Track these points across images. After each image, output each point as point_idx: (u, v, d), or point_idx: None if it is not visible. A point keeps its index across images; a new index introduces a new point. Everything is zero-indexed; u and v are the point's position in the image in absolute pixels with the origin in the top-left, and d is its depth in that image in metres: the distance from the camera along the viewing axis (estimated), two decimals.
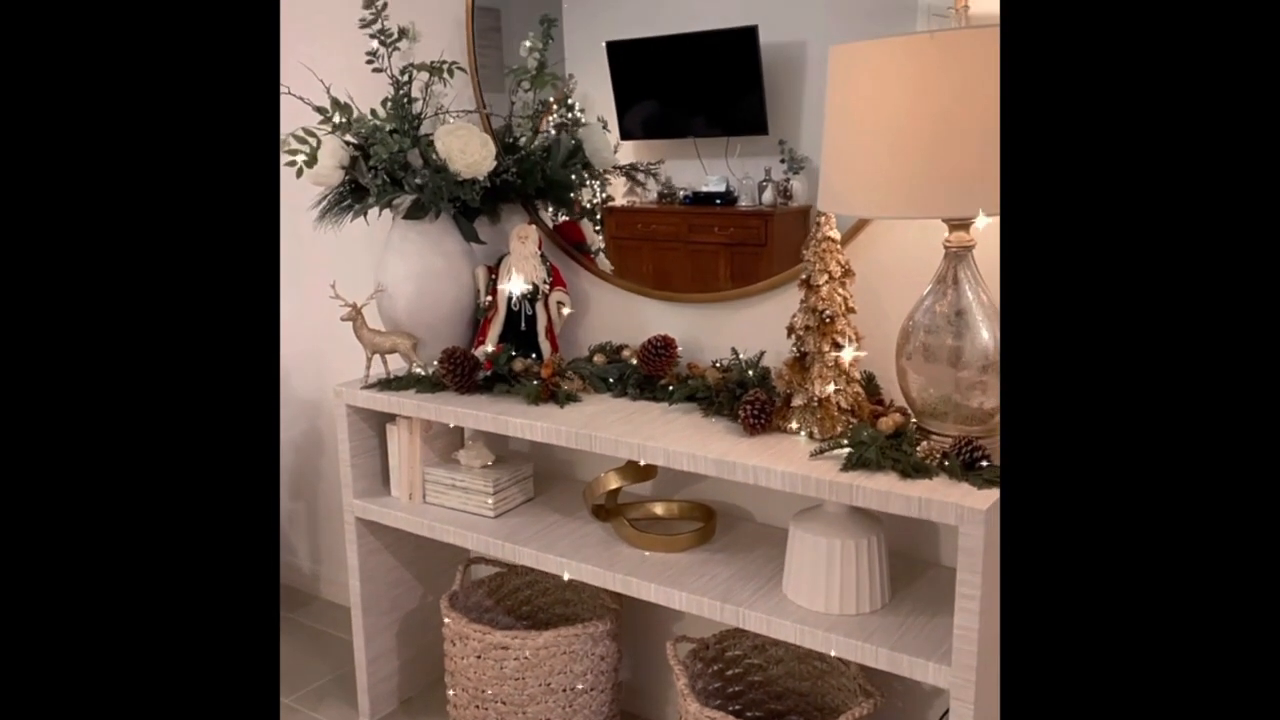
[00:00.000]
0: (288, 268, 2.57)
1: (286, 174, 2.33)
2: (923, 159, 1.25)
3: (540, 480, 2.06)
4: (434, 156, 1.81)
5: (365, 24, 1.87)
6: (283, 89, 2.11)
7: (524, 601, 2.13)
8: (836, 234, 1.49)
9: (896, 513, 1.32)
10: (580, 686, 1.86)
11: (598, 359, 1.85)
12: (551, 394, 1.76)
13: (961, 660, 1.30)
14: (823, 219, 1.49)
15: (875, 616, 1.46)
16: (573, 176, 1.92)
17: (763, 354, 1.72)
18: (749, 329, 1.80)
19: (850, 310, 1.50)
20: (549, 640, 1.82)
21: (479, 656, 1.85)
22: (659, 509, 1.87)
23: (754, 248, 1.75)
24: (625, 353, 1.87)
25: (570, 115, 1.91)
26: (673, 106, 1.79)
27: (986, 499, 1.28)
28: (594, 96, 1.87)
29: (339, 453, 1.99)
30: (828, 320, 1.48)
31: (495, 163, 1.83)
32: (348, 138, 1.85)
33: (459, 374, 1.80)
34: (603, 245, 1.95)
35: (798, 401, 1.52)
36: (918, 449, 1.41)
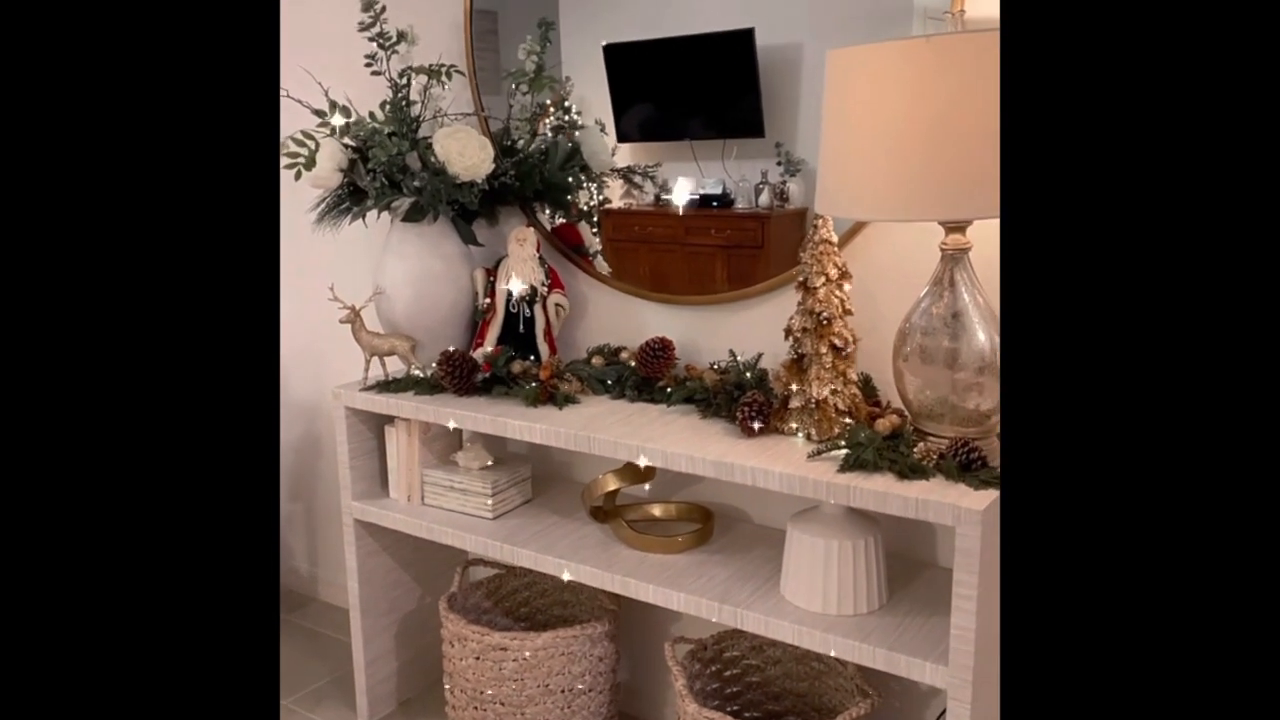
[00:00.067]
0: (286, 270, 2.57)
1: (285, 176, 2.33)
2: (919, 162, 1.26)
3: (538, 482, 2.06)
4: (432, 159, 1.82)
5: (364, 27, 1.87)
6: (282, 92, 2.11)
7: (522, 603, 2.13)
8: (833, 236, 1.50)
9: (893, 513, 1.33)
10: (579, 687, 1.86)
11: (596, 361, 1.86)
12: (550, 396, 1.76)
13: (958, 660, 1.30)
14: (820, 221, 1.50)
15: (873, 617, 1.46)
16: (570, 179, 1.92)
17: (760, 356, 1.72)
18: (746, 331, 1.81)
19: (847, 312, 1.50)
20: (547, 641, 1.82)
21: (478, 658, 1.85)
22: (657, 510, 1.87)
23: (751, 250, 1.75)
24: (623, 355, 1.87)
25: (567, 118, 1.91)
26: (669, 109, 1.80)
27: (983, 500, 1.28)
28: (591, 99, 1.88)
29: (337, 455, 1.99)
30: (825, 322, 1.48)
31: (493, 165, 1.84)
32: (346, 140, 1.86)
33: (457, 376, 1.81)
34: (600, 248, 1.96)
35: (795, 403, 1.53)
36: (914, 450, 1.41)
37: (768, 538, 1.76)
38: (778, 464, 1.42)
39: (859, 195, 1.33)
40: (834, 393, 1.50)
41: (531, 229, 1.89)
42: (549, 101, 1.91)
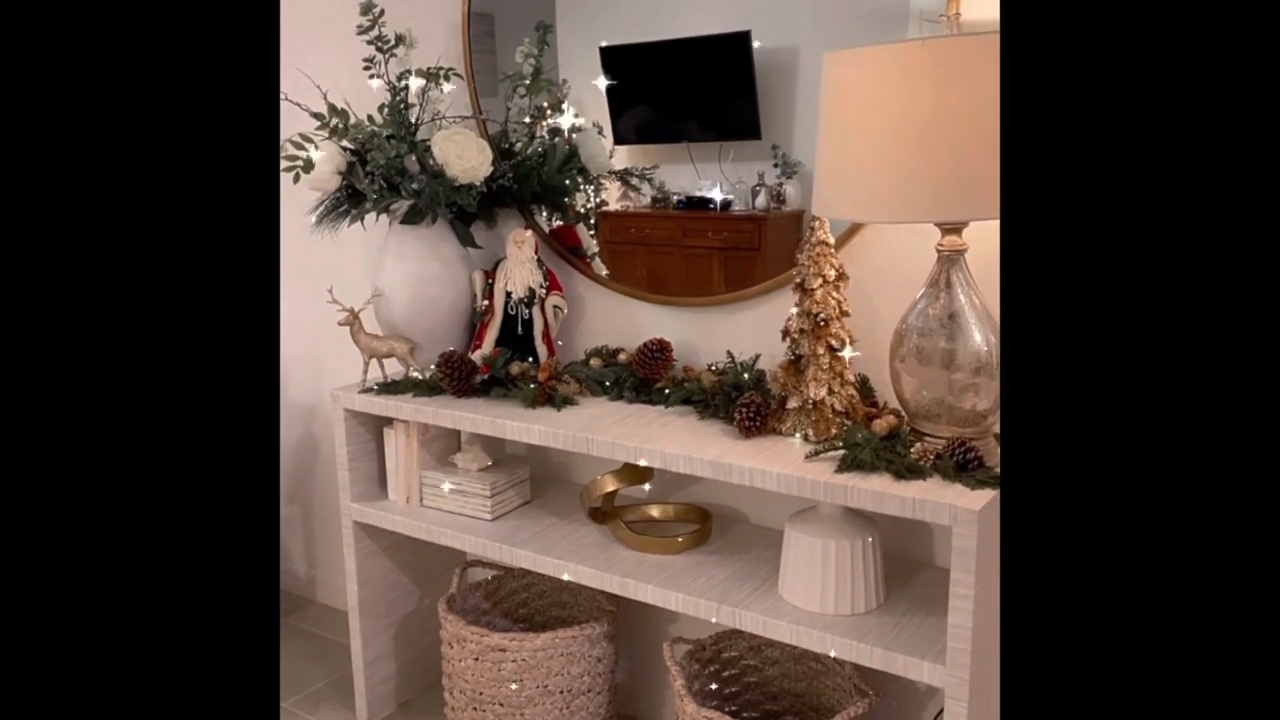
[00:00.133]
0: (285, 272, 2.58)
1: (284, 179, 2.33)
2: (916, 164, 1.27)
3: (537, 483, 2.07)
4: (431, 162, 1.82)
5: (362, 31, 1.88)
6: (281, 95, 2.11)
7: (521, 604, 2.14)
8: (830, 238, 1.51)
9: (891, 513, 1.33)
10: (578, 688, 1.87)
11: (594, 362, 1.86)
12: (548, 397, 1.77)
13: (956, 659, 1.31)
14: (816, 223, 1.50)
15: (870, 617, 1.47)
16: (568, 181, 1.93)
17: (758, 357, 1.73)
18: (744, 332, 1.81)
19: (844, 313, 1.51)
20: (546, 642, 1.83)
21: (477, 659, 1.86)
22: (655, 511, 1.88)
23: (748, 252, 1.76)
24: (621, 356, 1.88)
25: (565, 120, 1.92)
26: (666, 111, 1.80)
27: (980, 499, 1.29)
28: (588, 102, 1.89)
29: (336, 456, 1.99)
30: (822, 323, 1.49)
31: (491, 168, 1.84)
32: (345, 143, 1.86)
33: (456, 378, 1.81)
34: (598, 249, 1.96)
35: (793, 404, 1.53)
36: (911, 450, 1.42)
37: (766, 538, 1.77)
38: (775, 464, 1.43)
39: (855, 197, 1.34)
40: (831, 393, 1.50)
41: (530, 231, 1.90)
42: (546, 104, 1.92)
